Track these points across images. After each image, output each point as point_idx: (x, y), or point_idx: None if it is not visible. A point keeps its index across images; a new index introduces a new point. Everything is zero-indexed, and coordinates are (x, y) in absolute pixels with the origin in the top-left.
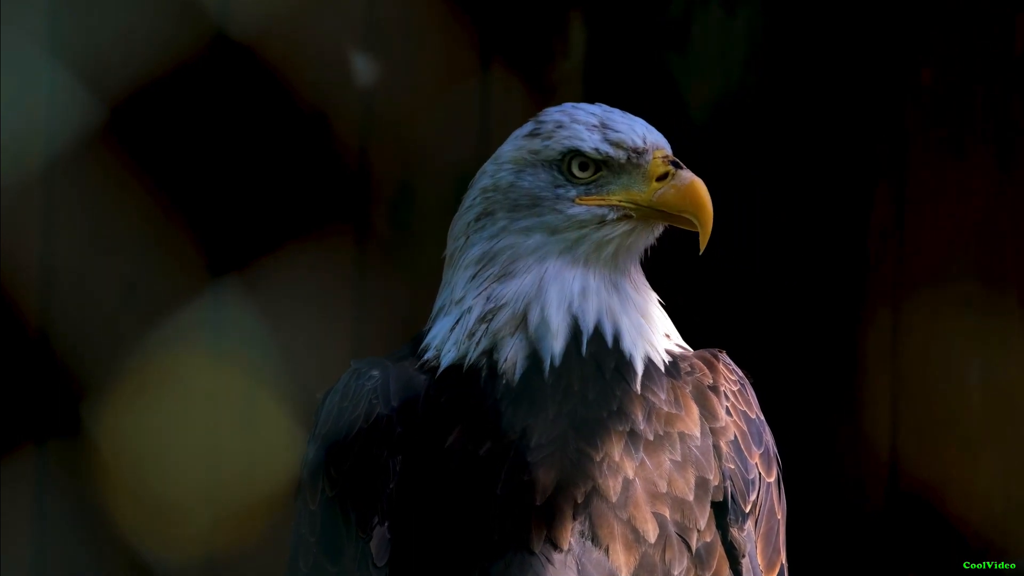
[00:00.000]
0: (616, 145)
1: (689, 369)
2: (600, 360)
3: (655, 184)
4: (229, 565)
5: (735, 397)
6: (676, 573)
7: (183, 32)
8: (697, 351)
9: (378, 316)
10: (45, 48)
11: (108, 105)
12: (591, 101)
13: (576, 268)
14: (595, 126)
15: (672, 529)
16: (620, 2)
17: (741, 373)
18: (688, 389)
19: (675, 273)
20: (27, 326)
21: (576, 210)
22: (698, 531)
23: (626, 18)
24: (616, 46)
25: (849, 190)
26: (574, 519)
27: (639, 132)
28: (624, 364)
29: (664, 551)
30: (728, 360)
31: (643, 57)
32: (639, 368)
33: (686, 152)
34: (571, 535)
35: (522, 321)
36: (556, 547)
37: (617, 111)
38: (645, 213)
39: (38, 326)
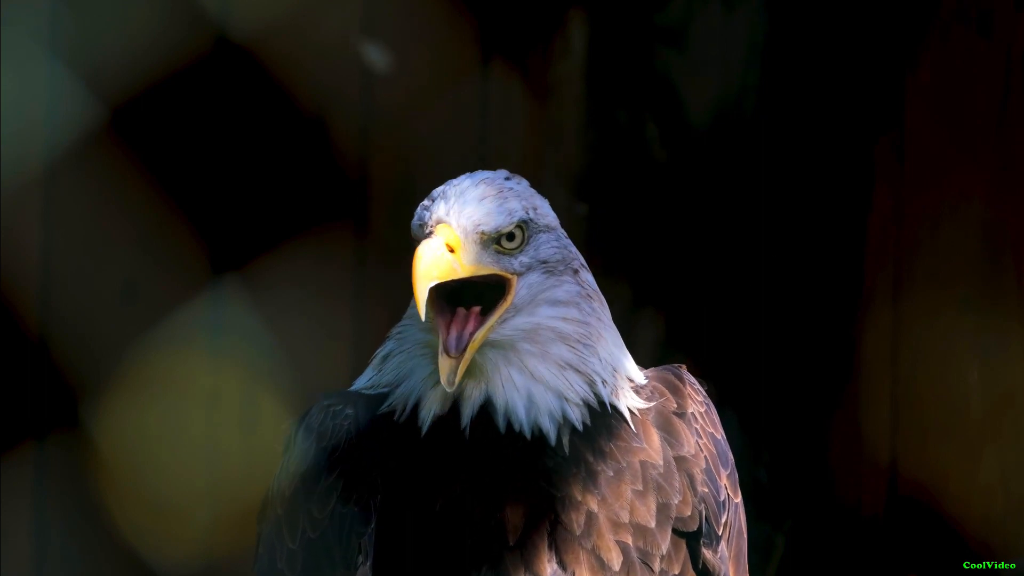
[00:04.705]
0: (418, 219)
1: (650, 394)
2: (498, 435)
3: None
4: (229, 565)
5: (703, 419)
6: None
7: (183, 32)
8: (657, 370)
9: (377, 315)
10: (45, 48)
11: (108, 105)
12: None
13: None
14: (431, 197)
15: (635, 556)
16: (621, 0)
17: (705, 392)
18: (650, 416)
19: (676, 275)
20: (27, 326)
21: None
22: (660, 556)
23: (627, 17)
24: (617, 45)
25: (849, 190)
26: (549, 550)
27: (433, 208)
28: (530, 435)
29: None
30: (692, 379)
31: (643, 56)
32: (552, 437)
33: (685, 152)
34: (547, 567)
35: (399, 387)
36: None
37: (492, 184)
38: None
39: (38, 326)
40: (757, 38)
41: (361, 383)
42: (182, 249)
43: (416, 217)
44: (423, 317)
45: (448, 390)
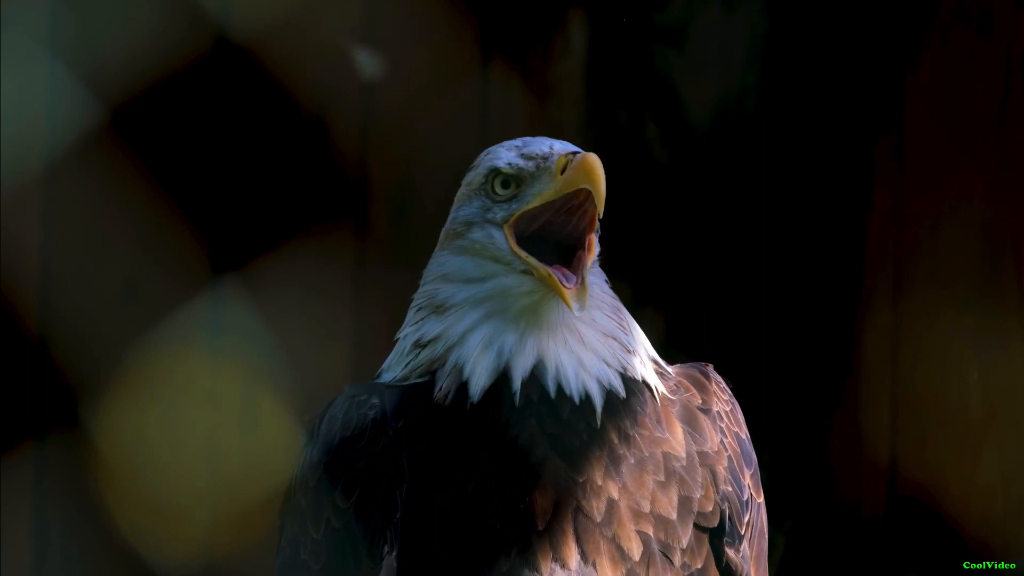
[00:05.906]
0: (527, 157)
1: (675, 387)
2: (546, 399)
3: (559, 176)
4: (229, 565)
5: (729, 418)
6: None
7: (183, 32)
8: (683, 367)
9: (377, 315)
10: (45, 48)
11: (108, 105)
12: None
13: (503, 312)
14: (515, 147)
15: (655, 547)
16: (621, 0)
17: (731, 392)
18: (674, 409)
19: (676, 275)
20: (27, 326)
21: (498, 235)
22: (681, 549)
23: (627, 16)
24: (617, 45)
25: (849, 190)
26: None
27: (548, 143)
28: (578, 399)
29: (648, 568)
30: (718, 377)
31: (643, 56)
32: (598, 402)
33: (685, 152)
34: (573, 553)
35: (446, 361)
36: (563, 566)
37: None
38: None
39: (38, 326)
40: (757, 38)
41: (395, 376)
42: (182, 249)
43: (525, 153)
44: (600, 209)
45: (578, 313)
